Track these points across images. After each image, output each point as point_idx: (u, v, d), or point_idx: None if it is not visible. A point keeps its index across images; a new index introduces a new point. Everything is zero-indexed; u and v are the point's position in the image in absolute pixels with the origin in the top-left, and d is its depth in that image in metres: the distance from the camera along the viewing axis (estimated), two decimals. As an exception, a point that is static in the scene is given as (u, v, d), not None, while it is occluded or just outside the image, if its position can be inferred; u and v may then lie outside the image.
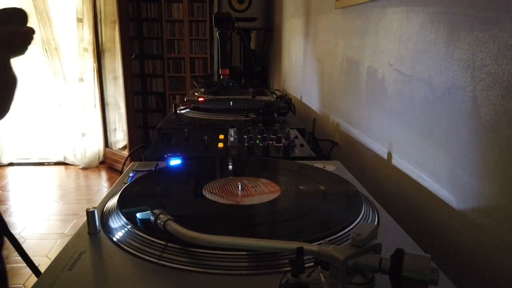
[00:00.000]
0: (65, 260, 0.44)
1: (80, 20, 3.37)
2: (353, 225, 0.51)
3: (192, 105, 1.34)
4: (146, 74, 4.22)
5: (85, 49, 3.45)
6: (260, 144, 0.93)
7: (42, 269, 0.47)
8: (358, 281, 0.36)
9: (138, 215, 0.50)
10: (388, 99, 0.80)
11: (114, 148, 3.69)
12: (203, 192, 0.61)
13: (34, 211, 2.58)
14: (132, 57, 3.53)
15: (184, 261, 0.44)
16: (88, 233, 0.50)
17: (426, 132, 0.65)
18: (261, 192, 0.61)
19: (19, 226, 2.37)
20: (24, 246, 2.30)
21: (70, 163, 3.62)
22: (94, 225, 0.51)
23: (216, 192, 0.61)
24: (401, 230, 0.53)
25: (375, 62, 0.87)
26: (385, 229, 0.53)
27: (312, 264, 0.42)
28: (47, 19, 3.34)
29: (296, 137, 1.00)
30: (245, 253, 0.44)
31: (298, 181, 0.67)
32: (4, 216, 0.73)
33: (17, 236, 2.36)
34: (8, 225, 0.76)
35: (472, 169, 0.53)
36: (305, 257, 0.37)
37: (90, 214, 0.50)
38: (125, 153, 3.48)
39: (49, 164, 3.63)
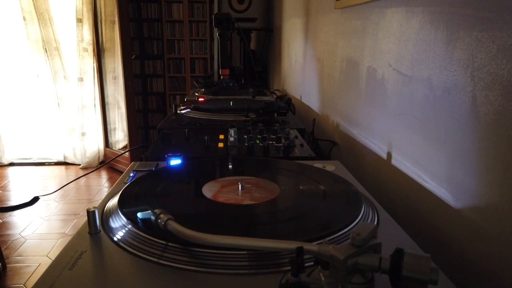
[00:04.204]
0: (65, 259, 0.44)
1: (79, 20, 3.37)
2: (353, 224, 0.51)
3: (192, 105, 1.34)
4: (147, 74, 4.22)
5: (85, 49, 3.45)
6: (260, 144, 0.93)
7: (43, 269, 0.47)
8: (358, 280, 0.36)
9: (139, 214, 0.50)
10: (387, 99, 0.81)
11: (114, 148, 3.69)
12: (203, 192, 0.61)
13: (35, 211, 2.58)
14: (133, 57, 3.53)
15: (185, 261, 0.44)
16: (88, 233, 0.50)
17: (425, 132, 0.66)
18: (261, 192, 0.61)
19: (19, 226, 2.37)
20: (24, 246, 2.30)
21: (70, 162, 3.63)
22: (95, 225, 0.51)
23: (216, 192, 0.61)
24: (401, 230, 0.53)
25: (374, 62, 0.87)
26: (385, 229, 0.53)
27: (312, 263, 0.42)
28: (48, 19, 3.35)
29: (296, 137, 1.00)
30: (245, 252, 0.44)
31: (298, 181, 0.67)
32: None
33: (17, 236, 2.38)
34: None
35: (471, 169, 0.54)
36: (305, 257, 0.37)
37: (90, 214, 0.50)
38: (126, 153, 3.49)
39: (49, 164, 3.63)
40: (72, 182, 3.12)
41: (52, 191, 0.93)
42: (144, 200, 0.58)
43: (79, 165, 3.59)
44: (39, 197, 0.73)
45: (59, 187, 0.94)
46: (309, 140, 1.20)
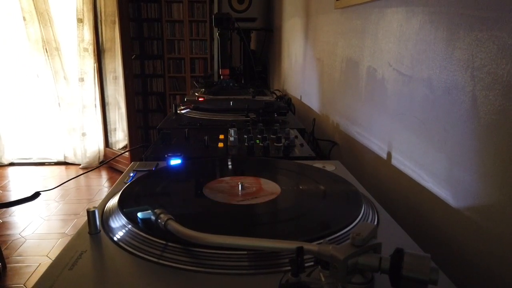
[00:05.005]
0: (65, 259, 0.44)
1: (80, 20, 3.38)
2: (353, 224, 0.51)
3: (192, 105, 1.34)
4: (147, 74, 4.23)
5: (85, 49, 3.45)
6: (260, 144, 0.93)
7: (43, 269, 0.47)
8: (358, 280, 0.36)
9: (139, 214, 0.50)
10: (387, 99, 0.81)
11: (114, 148, 3.70)
12: (204, 191, 0.61)
13: (35, 211, 2.58)
14: (133, 57, 3.53)
15: (185, 261, 0.44)
16: (88, 233, 0.50)
17: (425, 132, 0.66)
18: (261, 192, 0.61)
19: (19, 226, 2.37)
20: (24, 246, 2.30)
21: (70, 162, 3.63)
22: (95, 225, 0.51)
23: (216, 192, 0.61)
24: (401, 230, 0.53)
25: (374, 62, 0.87)
26: (385, 229, 0.53)
27: (312, 263, 0.42)
28: (48, 19, 3.35)
29: (296, 137, 1.00)
30: (245, 252, 0.44)
31: (298, 181, 0.67)
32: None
33: (17, 236, 2.37)
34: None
35: (471, 169, 0.54)
36: (305, 257, 0.37)
37: (90, 213, 0.50)
38: (126, 153, 3.49)
39: (49, 164, 3.63)
40: (73, 182, 3.12)
41: (53, 187, 0.93)
42: (144, 200, 0.58)
43: (79, 165, 3.59)
44: (40, 192, 0.74)
45: (60, 183, 0.94)
46: (309, 140, 1.20)
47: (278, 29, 2.40)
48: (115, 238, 0.49)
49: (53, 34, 3.40)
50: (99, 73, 3.53)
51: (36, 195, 0.73)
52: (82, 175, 3.28)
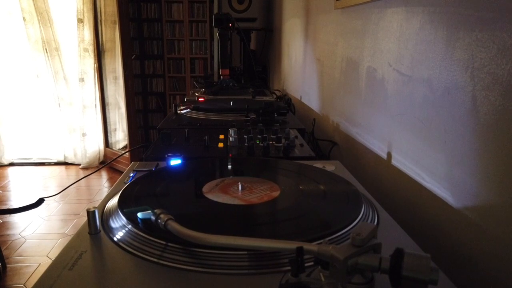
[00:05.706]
0: (65, 260, 0.44)
1: (80, 21, 3.38)
2: (353, 224, 0.51)
3: (192, 105, 1.34)
4: (147, 74, 4.23)
5: (86, 49, 3.46)
6: (260, 144, 0.93)
7: (43, 269, 0.47)
8: (358, 280, 0.36)
9: (139, 214, 0.50)
10: (387, 99, 0.81)
11: (114, 148, 3.70)
12: (203, 192, 0.61)
13: (35, 211, 2.58)
14: (133, 57, 3.53)
15: (185, 261, 0.44)
16: (88, 233, 0.50)
17: (425, 132, 0.66)
18: (261, 192, 0.61)
19: (19, 226, 2.37)
20: (24, 246, 2.30)
21: (70, 162, 3.63)
22: (95, 225, 0.51)
23: (216, 192, 0.61)
24: (401, 230, 0.53)
25: (374, 62, 0.87)
26: (385, 229, 0.53)
27: (312, 263, 0.42)
28: (48, 19, 3.35)
29: (296, 137, 1.00)
30: (245, 252, 0.44)
31: (298, 181, 0.67)
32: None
33: (17, 236, 2.37)
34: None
35: (471, 169, 0.54)
36: (305, 257, 0.37)
37: (90, 214, 0.50)
38: (126, 153, 3.49)
39: (49, 164, 3.63)
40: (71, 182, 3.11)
41: (56, 193, 0.93)
42: (144, 200, 0.58)
43: (79, 165, 3.59)
44: (44, 199, 0.74)
45: (63, 188, 0.94)
46: (309, 140, 1.20)
47: (278, 29, 2.40)
48: (115, 238, 0.49)
49: (53, 34, 3.41)
50: (99, 73, 3.53)
51: (40, 201, 0.73)
52: (82, 175, 3.28)
